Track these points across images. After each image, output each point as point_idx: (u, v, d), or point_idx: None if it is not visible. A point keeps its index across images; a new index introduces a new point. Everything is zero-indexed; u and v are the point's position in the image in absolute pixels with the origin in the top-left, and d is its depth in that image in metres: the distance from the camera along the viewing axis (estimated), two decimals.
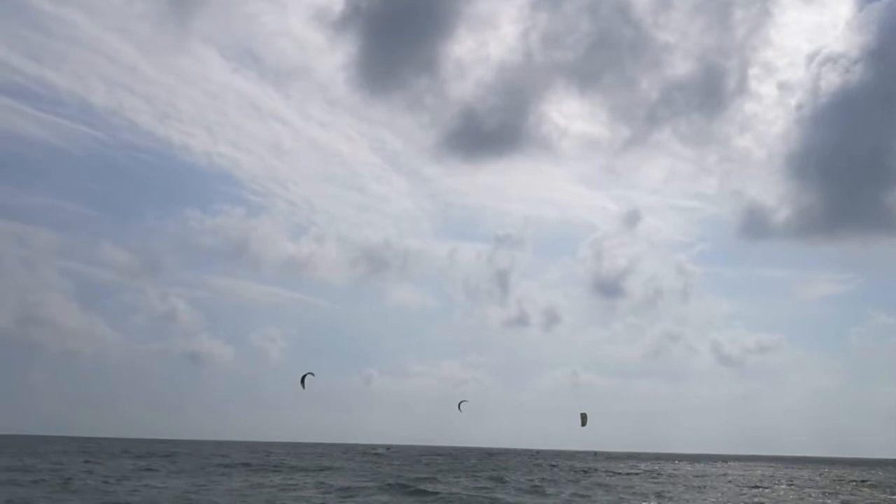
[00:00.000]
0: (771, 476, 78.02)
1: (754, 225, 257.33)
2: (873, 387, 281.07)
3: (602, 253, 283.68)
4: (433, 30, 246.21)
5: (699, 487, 53.01)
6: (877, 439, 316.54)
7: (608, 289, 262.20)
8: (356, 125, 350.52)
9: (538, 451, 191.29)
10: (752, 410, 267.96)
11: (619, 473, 71.37)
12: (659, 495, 43.62)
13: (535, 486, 48.61)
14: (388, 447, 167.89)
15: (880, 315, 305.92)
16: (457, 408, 70.95)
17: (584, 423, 56.10)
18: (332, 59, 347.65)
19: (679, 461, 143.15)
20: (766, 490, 52.82)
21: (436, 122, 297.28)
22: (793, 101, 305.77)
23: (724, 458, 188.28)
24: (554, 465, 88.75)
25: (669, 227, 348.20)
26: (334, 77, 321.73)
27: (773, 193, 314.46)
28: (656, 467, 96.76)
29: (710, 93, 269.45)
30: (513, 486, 47.97)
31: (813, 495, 48.94)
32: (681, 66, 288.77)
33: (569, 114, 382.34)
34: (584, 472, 72.37)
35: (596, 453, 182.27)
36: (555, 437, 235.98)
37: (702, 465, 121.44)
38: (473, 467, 74.04)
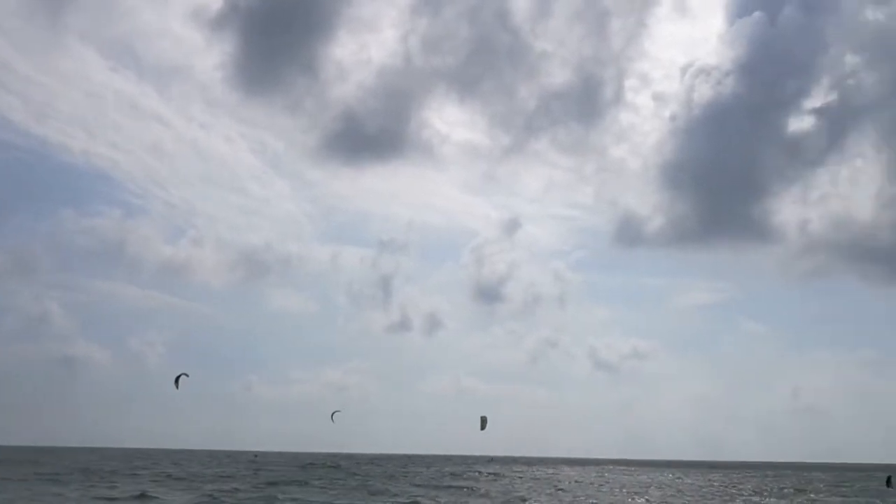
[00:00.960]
0: (646, 482, 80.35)
1: (630, 234, 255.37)
2: (743, 393, 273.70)
3: (483, 259, 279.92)
4: (313, 31, 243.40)
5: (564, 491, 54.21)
6: (746, 443, 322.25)
7: (489, 295, 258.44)
8: (236, 126, 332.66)
9: (406, 457, 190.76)
10: (630, 415, 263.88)
11: (479, 478, 72.25)
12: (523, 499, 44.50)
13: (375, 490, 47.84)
14: (256, 454, 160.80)
15: (750, 323, 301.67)
16: (330, 418, 68.09)
17: (483, 427, 54.84)
18: (211, 58, 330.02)
19: (559, 466, 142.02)
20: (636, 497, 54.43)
21: (317, 125, 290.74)
22: (667, 113, 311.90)
23: (605, 463, 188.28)
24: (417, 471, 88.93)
25: (548, 234, 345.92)
26: (213, 77, 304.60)
27: (647, 203, 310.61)
28: (539, 472, 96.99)
29: (587, 103, 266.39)
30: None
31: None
32: (559, 75, 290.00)
33: (450, 120, 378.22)
34: (453, 475, 73.36)
35: (492, 458, 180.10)
36: (440, 443, 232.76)
37: (575, 469, 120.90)
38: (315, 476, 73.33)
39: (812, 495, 57.12)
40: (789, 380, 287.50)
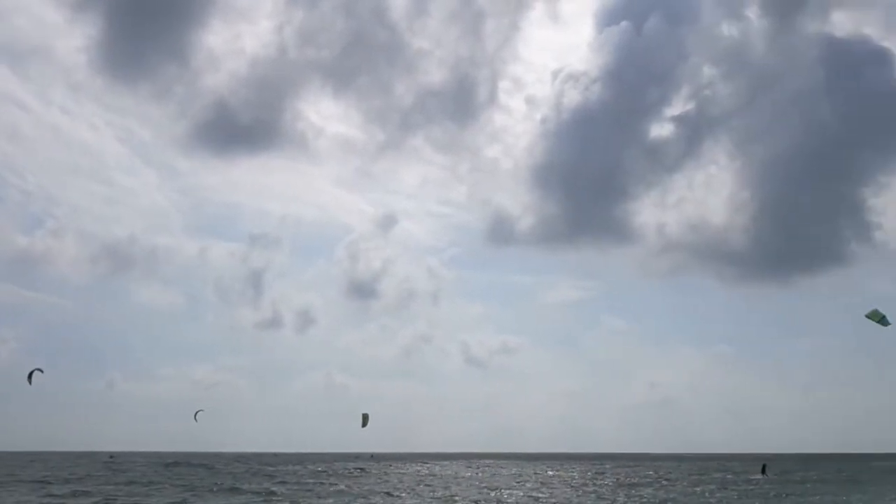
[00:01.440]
0: (518, 474, 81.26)
1: (502, 232, 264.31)
2: (606, 386, 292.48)
3: (358, 255, 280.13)
4: (184, 17, 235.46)
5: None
6: (609, 435, 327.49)
7: (363, 291, 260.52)
8: (102, 113, 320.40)
9: (275, 455, 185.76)
10: (500, 409, 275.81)
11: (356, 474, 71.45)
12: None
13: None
14: (112, 455, 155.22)
15: (613, 319, 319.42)
16: (193, 418, 66.28)
17: (364, 424, 53.98)
18: (73, 40, 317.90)
19: (433, 461, 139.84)
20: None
21: (187, 114, 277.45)
22: (538, 116, 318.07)
23: (478, 457, 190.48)
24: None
25: (423, 231, 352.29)
26: (76, 60, 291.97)
27: (519, 203, 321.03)
28: (410, 468, 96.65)
29: (462, 102, 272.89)
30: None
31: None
32: (435, 74, 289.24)
33: (325, 113, 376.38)
34: (318, 473, 72.14)
35: (372, 455, 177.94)
36: (312, 440, 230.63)
37: (446, 464, 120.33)
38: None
39: (697, 487, 58.46)
40: (648, 374, 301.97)
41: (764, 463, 79.60)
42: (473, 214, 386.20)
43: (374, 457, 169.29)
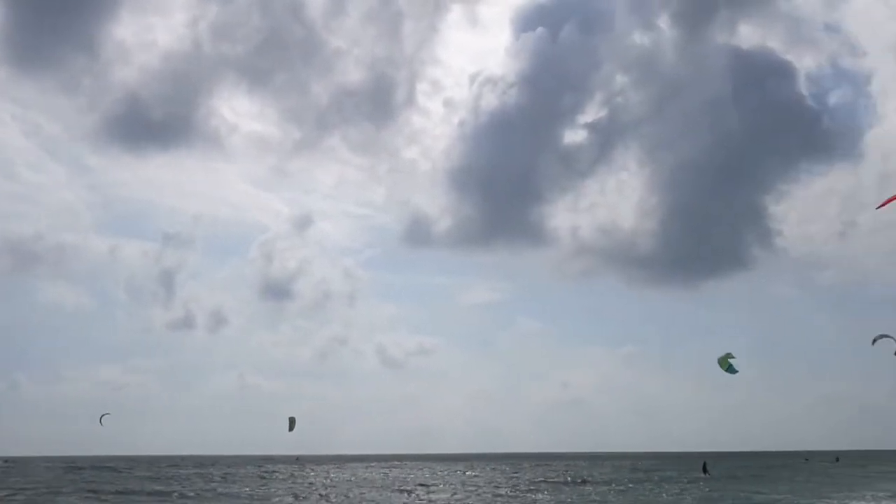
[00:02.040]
0: (424, 477, 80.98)
1: (419, 234, 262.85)
2: (520, 387, 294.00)
3: (273, 255, 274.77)
4: (92, 7, 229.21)
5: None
6: (523, 435, 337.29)
7: (278, 292, 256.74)
8: (6, 106, 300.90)
9: (181, 458, 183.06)
10: (417, 411, 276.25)
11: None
12: None
13: None
14: (6, 460, 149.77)
15: (527, 320, 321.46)
16: (99, 421, 63.35)
17: (291, 428, 53.80)
18: None
19: (349, 463, 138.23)
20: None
21: (97, 108, 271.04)
22: (456, 119, 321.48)
23: (395, 459, 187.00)
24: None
25: (339, 232, 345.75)
26: None
27: (436, 205, 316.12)
28: (321, 471, 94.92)
29: (380, 103, 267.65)
30: None
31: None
32: (352, 74, 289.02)
33: (239, 111, 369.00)
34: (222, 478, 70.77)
35: (298, 457, 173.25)
36: (223, 443, 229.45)
37: (354, 466, 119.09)
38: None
39: (653, 488, 57.11)
40: (561, 374, 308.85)
41: (704, 461, 79.37)
42: (391, 216, 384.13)
43: (299, 459, 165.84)
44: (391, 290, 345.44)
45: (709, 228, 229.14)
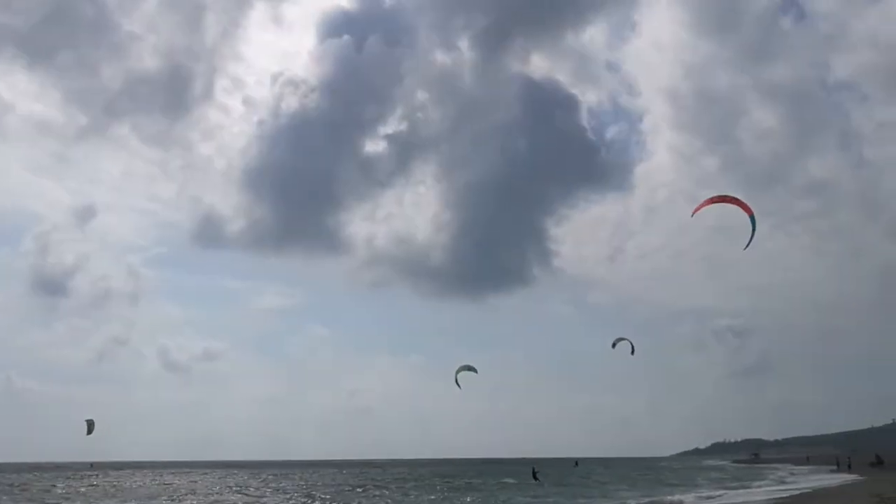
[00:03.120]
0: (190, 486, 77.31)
1: (211, 234, 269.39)
2: (306, 394, 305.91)
3: (48, 247, 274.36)
4: None
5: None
6: (309, 442, 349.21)
7: (52, 287, 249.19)
8: None
9: None
10: (200, 416, 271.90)
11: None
12: None
13: None
14: None
15: (317, 327, 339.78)
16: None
17: (90, 431, 52.17)
18: None
19: (125, 470, 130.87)
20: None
21: None
22: (256, 118, 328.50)
23: (174, 466, 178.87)
24: None
25: (125, 227, 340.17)
26: None
27: (230, 204, 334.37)
28: (91, 480, 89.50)
29: (175, 95, 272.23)
30: None
31: None
32: (148, 61, 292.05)
33: (18, 89, 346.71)
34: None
35: (92, 464, 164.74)
36: None
37: (136, 474, 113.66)
38: None
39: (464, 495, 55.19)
40: (349, 381, 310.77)
41: (533, 467, 78.49)
42: (182, 213, 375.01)
43: (93, 466, 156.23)
44: (178, 291, 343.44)
45: (496, 245, 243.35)
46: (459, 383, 45.07)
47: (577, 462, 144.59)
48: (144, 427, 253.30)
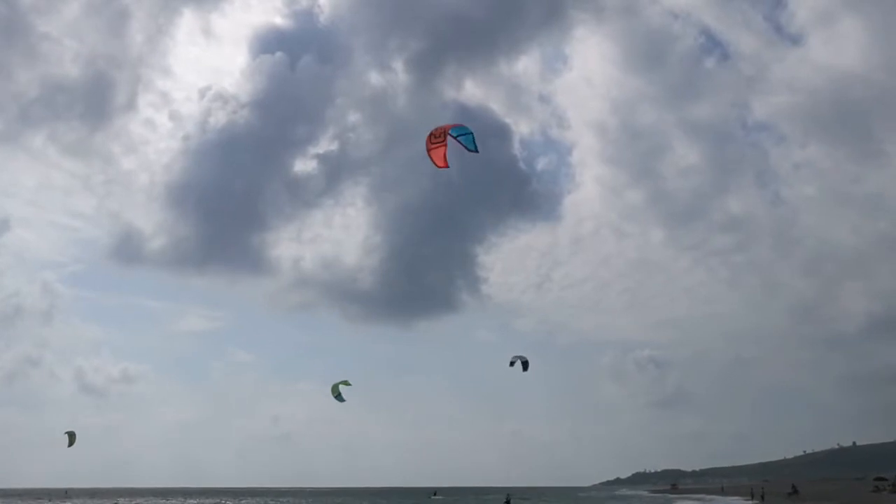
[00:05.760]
0: None
1: (131, 252, 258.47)
2: (228, 419, 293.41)
3: None
4: None
5: None
6: (227, 468, 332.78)
7: None
8: None
9: None
10: (115, 441, 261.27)
11: None
12: None
13: None
14: None
15: (240, 352, 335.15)
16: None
17: (71, 443, 50.56)
18: None
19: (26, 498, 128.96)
20: None
21: None
22: (182, 132, 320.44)
23: (81, 494, 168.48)
24: None
25: (42, 242, 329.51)
26: None
27: (151, 221, 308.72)
28: None
29: (96, 105, 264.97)
30: None
31: None
32: (68, 67, 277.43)
33: None
34: None
35: (67, 490, 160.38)
36: None
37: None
38: None
39: None
40: (272, 407, 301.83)
41: (508, 494, 79.68)
42: (102, 229, 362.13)
43: (68, 493, 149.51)
44: (96, 310, 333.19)
45: (425, 271, 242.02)
46: (343, 397, 44.19)
47: (435, 492, 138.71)
48: (57, 452, 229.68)
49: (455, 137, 30.13)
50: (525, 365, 46.33)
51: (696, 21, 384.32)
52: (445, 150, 30.11)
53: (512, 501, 75.27)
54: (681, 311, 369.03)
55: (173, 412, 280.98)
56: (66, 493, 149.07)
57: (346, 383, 44.72)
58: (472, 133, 30.14)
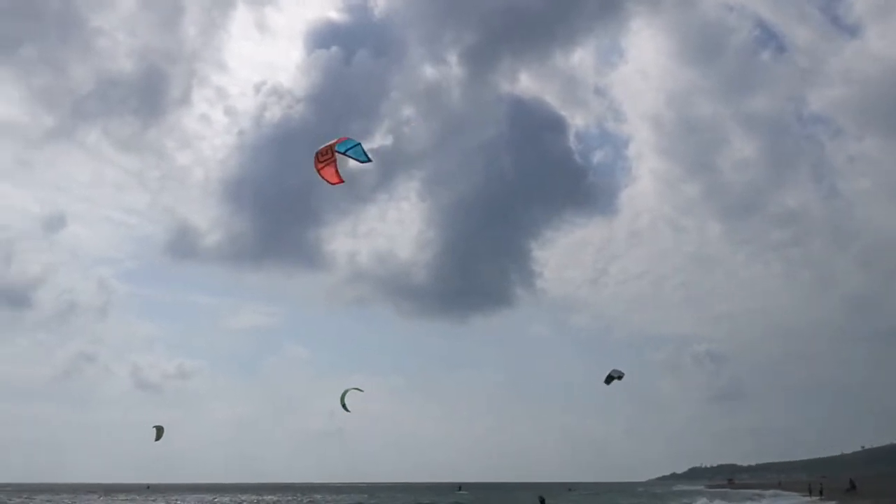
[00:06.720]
0: None
1: (186, 248, 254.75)
2: (283, 415, 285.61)
3: (12, 257, 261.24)
4: None
5: None
6: (284, 464, 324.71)
7: (14, 299, 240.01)
8: None
9: None
10: (174, 438, 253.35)
11: None
12: None
13: None
14: None
15: (296, 347, 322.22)
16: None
17: (159, 437, 50.93)
18: None
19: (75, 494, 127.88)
20: None
21: None
22: (237, 128, 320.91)
23: (133, 490, 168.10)
24: None
25: (97, 238, 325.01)
26: None
27: (206, 217, 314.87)
28: None
29: (151, 100, 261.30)
30: None
31: None
32: (122, 62, 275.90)
33: None
34: None
35: (149, 486, 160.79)
36: None
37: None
38: None
39: None
40: (326, 403, 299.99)
41: (540, 496, 76.11)
42: (157, 225, 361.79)
43: (150, 488, 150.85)
44: (151, 307, 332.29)
45: (478, 265, 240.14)
46: (347, 407, 44.87)
47: (460, 487, 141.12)
48: (111, 448, 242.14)
49: (343, 153, 29.29)
50: (619, 377, 45.52)
51: (751, 13, 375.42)
52: (335, 166, 29.18)
53: (547, 501, 73.17)
54: (737, 306, 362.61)
55: (228, 408, 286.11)
56: (148, 488, 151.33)
57: (357, 389, 44.91)
58: (359, 144, 29.22)
